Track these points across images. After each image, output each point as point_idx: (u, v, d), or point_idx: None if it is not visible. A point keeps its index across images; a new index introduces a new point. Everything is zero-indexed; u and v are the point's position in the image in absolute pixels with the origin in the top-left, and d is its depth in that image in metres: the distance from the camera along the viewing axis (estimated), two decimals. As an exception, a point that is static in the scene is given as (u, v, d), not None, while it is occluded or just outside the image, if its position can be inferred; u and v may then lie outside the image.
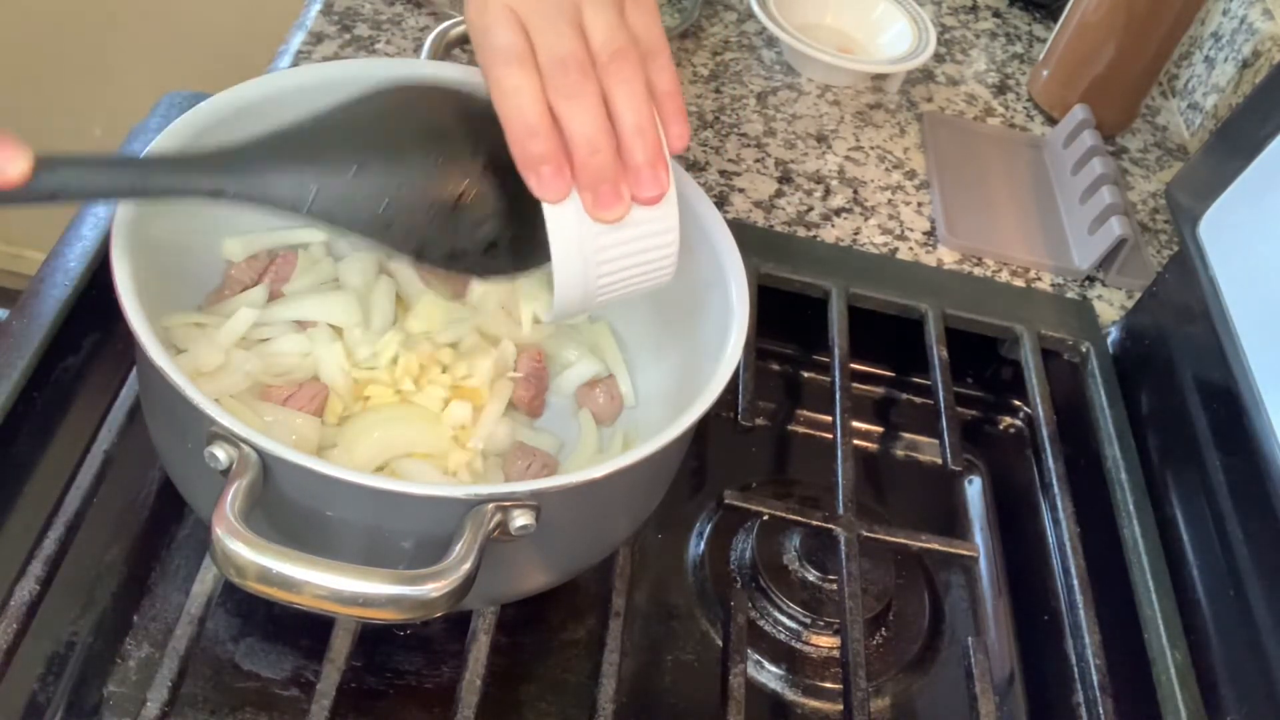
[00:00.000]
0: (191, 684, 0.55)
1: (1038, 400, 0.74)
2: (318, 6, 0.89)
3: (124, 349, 0.65)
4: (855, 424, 0.76)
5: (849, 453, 0.67)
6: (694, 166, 0.85)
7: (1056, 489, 0.69)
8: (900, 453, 0.80)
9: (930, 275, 0.81)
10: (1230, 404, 0.63)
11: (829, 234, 0.82)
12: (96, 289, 0.64)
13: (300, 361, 0.58)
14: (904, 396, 0.82)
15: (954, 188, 0.89)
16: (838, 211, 0.84)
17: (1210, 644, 0.62)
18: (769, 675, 0.64)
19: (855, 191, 0.87)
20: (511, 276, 0.51)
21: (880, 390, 0.82)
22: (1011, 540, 0.75)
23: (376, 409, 0.56)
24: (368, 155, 0.46)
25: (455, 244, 0.48)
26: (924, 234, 0.85)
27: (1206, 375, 0.68)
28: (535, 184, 0.45)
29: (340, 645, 0.53)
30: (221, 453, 0.43)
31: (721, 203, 0.82)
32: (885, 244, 0.83)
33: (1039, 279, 0.84)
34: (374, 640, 0.58)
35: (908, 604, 0.68)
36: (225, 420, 0.43)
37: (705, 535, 0.69)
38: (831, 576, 0.65)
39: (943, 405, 0.71)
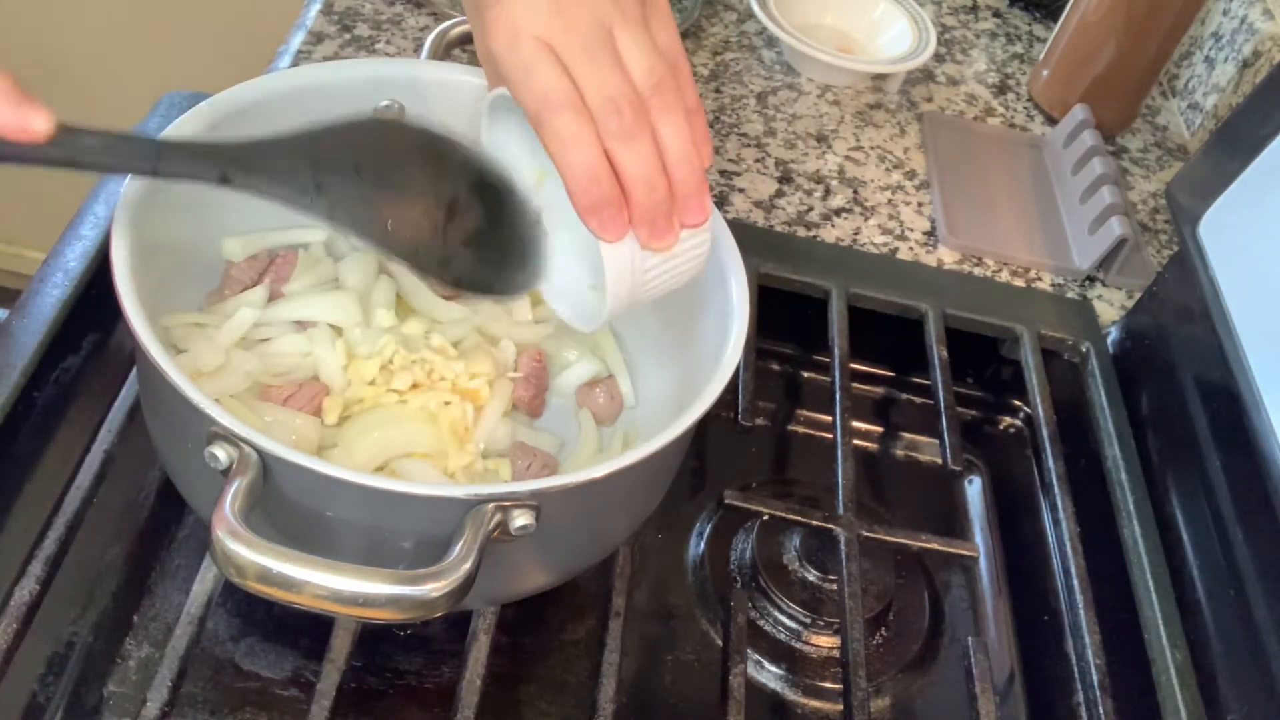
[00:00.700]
0: (191, 684, 0.55)
1: (1038, 400, 0.74)
2: (318, 6, 0.89)
3: (124, 349, 0.65)
4: (855, 424, 0.76)
5: (849, 453, 0.67)
6: (694, 166, 0.85)
7: (1056, 489, 0.69)
8: (900, 453, 0.80)
9: (930, 275, 0.81)
10: (1230, 404, 0.63)
11: (829, 234, 0.82)
12: (96, 289, 0.64)
13: (300, 361, 0.58)
14: (904, 396, 0.82)
15: (954, 188, 0.89)
16: (838, 211, 0.84)
17: (1210, 644, 0.62)
18: (769, 675, 0.64)
19: (855, 191, 0.87)
20: (498, 298, 0.52)
21: (880, 390, 0.82)
22: (1011, 540, 0.75)
23: (376, 409, 0.56)
24: (368, 157, 0.48)
25: (447, 252, 0.49)
26: (924, 234, 0.85)
27: (1206, 375, 0.68)
28: (598, 227, 0.46)
29: (340, 645, 0.53)
30: (221, 453, 0.43)
31: (721, 203, 0.82)
32: (885, 244, 0.83)
33: (1039, 279, 0.84)
34: (374, 640, 0.58)
35: (908, 604, 0.68)
36: (225, 420, 0.43)
37: (705, 535, 0.69)
38: (831, 576, 0.65)
39: (943, 405, 0.71)
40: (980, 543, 0.75)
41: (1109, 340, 0.80)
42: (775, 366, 0.81)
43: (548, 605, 0.62)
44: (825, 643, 0.65)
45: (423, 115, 0.60)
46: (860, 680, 0.57)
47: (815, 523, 0.65)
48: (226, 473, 0.43)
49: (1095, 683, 0.61)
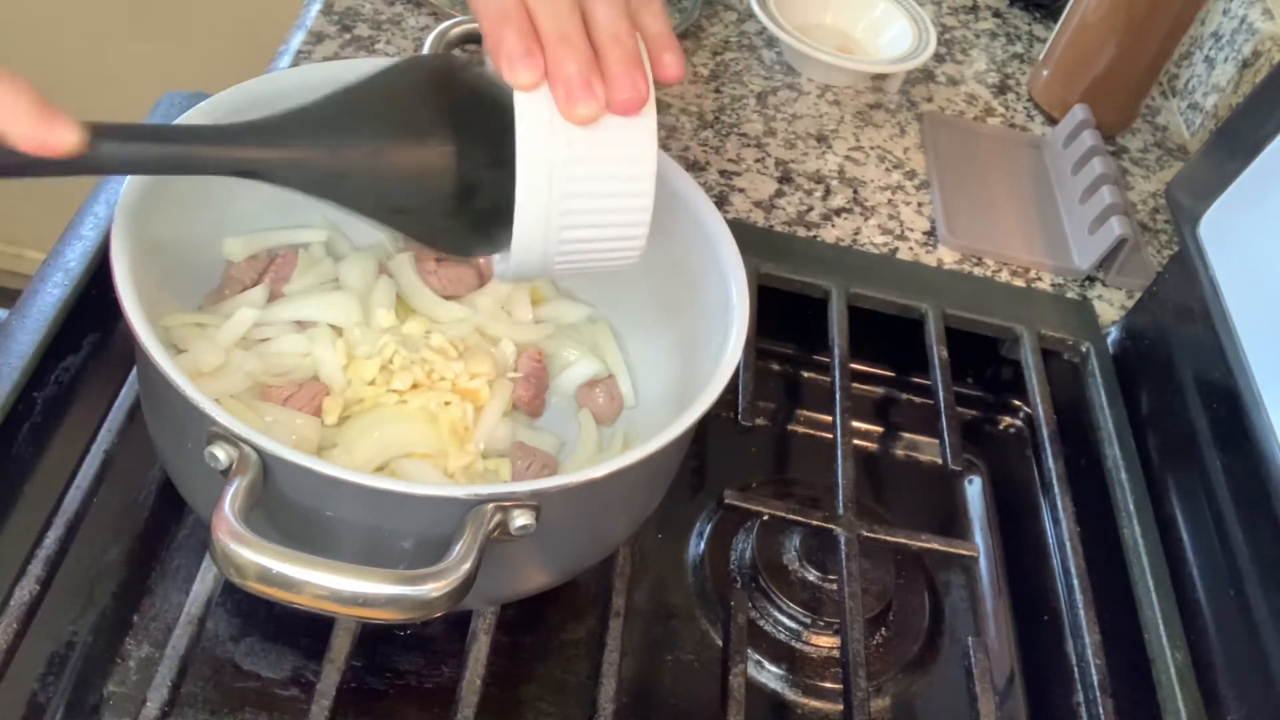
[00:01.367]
0: (191, 684, 0.55)
1: (1038, 400, 0.74)
2: (318, 6, 0.89)
3: (124, 349, 0.65)
4: (855, 424, 0.76)
5: (849, 453, 0.67)
6: (694, 166, 0.85)
7: (1056, 489, 0.69)
8: (900, 453, 0.80)
9: (930, 275, 0.81)
10: (1230, 404, 0.63)
11: (829, 234, 0.82)
12: (96, 289, 0.64)
13: (300, 361, 0.58)
14: (904, 396, 0.82)
15: (954, 188, 0.89)
16: (838, 211, 0.84)
17: (1210, 644, 0.62)
18: (769, 675, 0.64)
19: (855, 191, 0.87)
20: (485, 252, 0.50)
21: (880, 390, 0.82)
22: (1011, 540, 0.75)
23: (376, 409, 0.56)
24: (387, 138, 0.45)
25: (459, 223, 0.47)
26: (924, 234, 0.85)
27: (1206, 375, 0.68)
28: (507, 68, 0.43)
29: (340, 645, 0.53)
30: (221, 453, 0.43)
31: (721, 203, 0.82)
32: (885, 244, 0.83)
33: (1039, 279, 0.84)
34: (374, 640, 0.58)
35: (908, 604, 0.68)
36: (225, 420, 0.43)
37: (705, 535, 0.69)
38: (831, 576, 0.65)
39: (943, 405, 0.71)
40: (980, 543, 0.75)
41: (1109, 340, 0.80)
42: (775, 366, 0.81)
43: (548, 605, 0.62)
44: (825, 643, 0.65)
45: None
46: (860, 680, 0.57)
47: (815, 523, 0.65)
48: (226, 473, 0.43)
49: (1095, 683, 0.61)
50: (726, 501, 0.65)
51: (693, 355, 0.59)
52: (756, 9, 0.96)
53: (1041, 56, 1.00)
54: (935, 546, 0.67)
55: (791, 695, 0.64)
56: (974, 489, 0.78)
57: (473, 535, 0.43)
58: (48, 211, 1.09)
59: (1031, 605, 0.70)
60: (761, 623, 0.65)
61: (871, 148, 0.91)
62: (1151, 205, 0.93)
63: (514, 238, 0.45)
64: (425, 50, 0.66)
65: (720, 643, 0.63)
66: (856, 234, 0.83)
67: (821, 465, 0.69)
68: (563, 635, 0.62)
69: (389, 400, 0.57)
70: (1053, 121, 0.98)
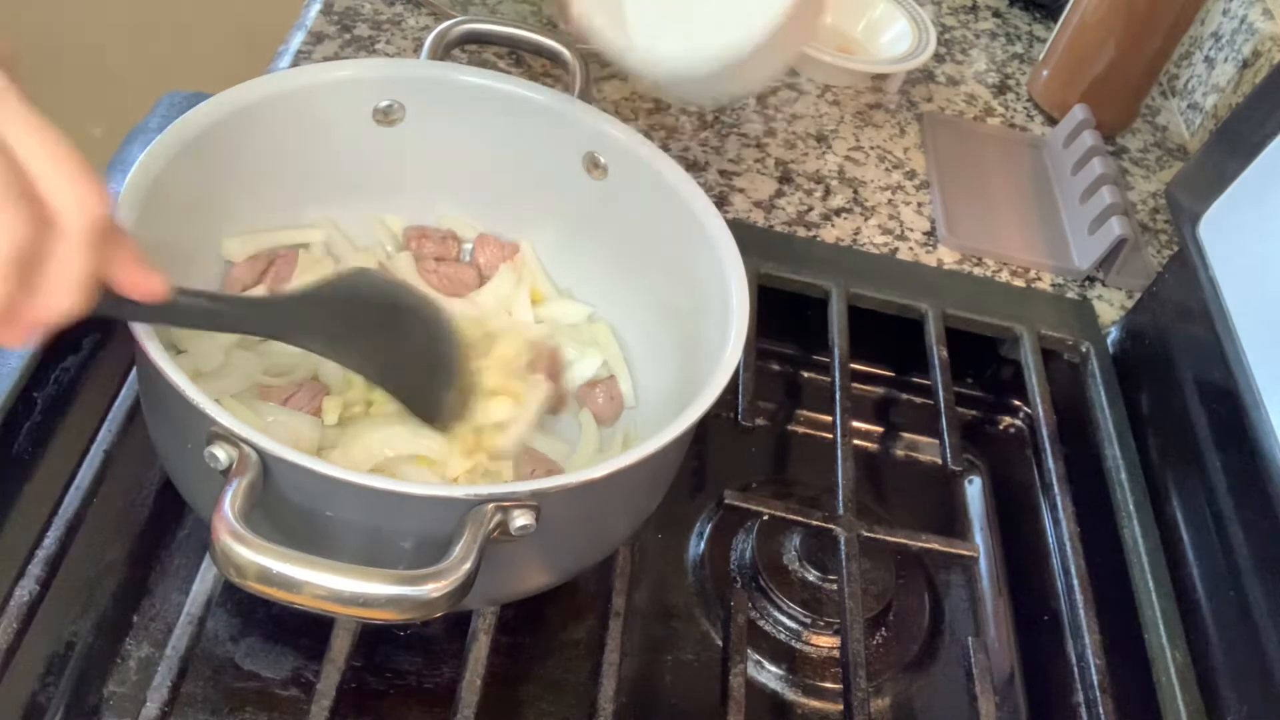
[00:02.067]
0: (191, 684, 0.55)
1: (1038, 400, 0.74)
2: (318, 6, 0.89)
3: (124, 349, 0.65)
4: (855, 424, 0.76)
5: (849, 453, 0.67)
6: (694, 166, 0.85)
7: (1056, 489, 0.69)
8: (900, 453, 0.80)
9: (930, 275, 0.81)
10: (1230, 404, 0.63)
11: (829, 234, 0.82)
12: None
13: (300, 361, 0.58)
14: (904, 396, 0.82)
15: (954, 188, 0.89)
16: (838, 211, 0.84)
17: (1210, 644, 0.62)
18: (769, 675, 0.64)
19: (855, 191, 0.87)
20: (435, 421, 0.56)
21: (880, 390, 0.82)
22: (1011, 540, 0.75)
23: (379, 413, 0.56)
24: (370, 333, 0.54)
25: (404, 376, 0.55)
26: (924, 234, 0.85)
27: (1206, 375, 0.68)
28: None
29: (340, 645, 0.53)
30: (221, 453, 0.43)
31: (721, 203, 0.82)
32: (885, 244, 0.83)
33: (1039, 279, 0.84)
34: (374, 640, 0.58)
35: (908, 604, 0.68)
36: (225, 420, 0.43)
37: (705, 535, 0.69)
38: (831, 576, 0.65)
39: (943, 405, 0.71)
40: (980, 543, 0.75)
41: (1109, 340, 0.80)
42: (775, 366, 0.81)
43: (548, 605, 0.62)
44: (825, 643, 0.65)
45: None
46: (860, 680, 0.57)
47: (815, 523, 0.65)
48: (226, 473, 0.43)
49: (1095, 683, 0.61)
50: (726, 501, 0.65)
51: (693, 355, 0.59)
52: (756, 9, 0.96)
53: (1041, 56, 1.00)
54: (935, 546, 0.67)
55: (791, 695, 0.64)
56: (974, 489, 0.78)
57: (473, 535, 0.43)
58: (48, 211, 1.09)
59: (1031, 605, 0.70)
60: (761, 623, 0.65)
61: (871, 148, 0.91)
62: (1151, 205, 0.93)
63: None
64: (425, 50, 0.66)
65: (720, 643, 0.63)
66: (856, 234, 0.83)
67: (821, 465, 0.69)
68: (563, 635, 0.62)
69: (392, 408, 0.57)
70: (1053, 121, 0.98)
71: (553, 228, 0.67)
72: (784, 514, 0.65)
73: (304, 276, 0.61)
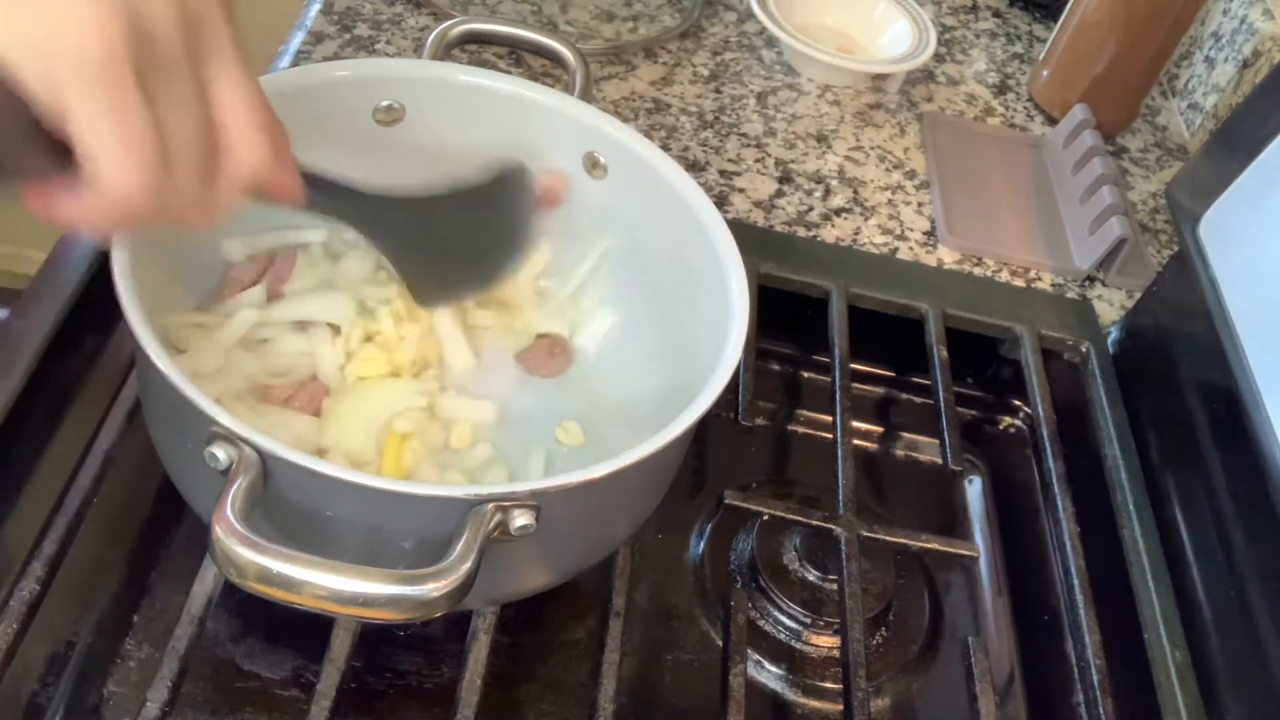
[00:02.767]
0: (191, 684, 0.55)
1: (1038, 400, 0.74)
2: (318, 6, 0.89)
3: (124, 349, 0.65)
4: (855, 424, 0.76)
5: (849, 453, 0.67)
6: (694, 166, 0.85)
7: (1056, 489, 0.69)
8: (900, 453, 0.80)
9: (930, 275, 0.81)
10: (1230, 404, 0.63)
11: (829, 234, 0.82)
12: (96, 289, 0.64)
13: (300, 361, 0.58)
14: (904, 396, 0.82)
15: (954, 188, 0.89)
16: (838, 211, 0.84)
17: (1210, 644, 0.62)
18: (769, 675, 0.64)
19: (855, 191, 0.87)
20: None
21: (880, 390, 0.82)
22: (1011, 540, 0.75)
23: (357, 390, 0.57)
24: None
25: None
26: (924, 234, 0.85)
27: (1206, 375, 0.68)
28: None
29: (340, 645, 0.53)
30: (221, 453, 0.43)
31: (721, 203, 0.82)
32: (885, 244, 0.83)
33: (1039, 279, 0.84)
34: (374, 640, 0.58)
35: (908, 604, 0.68)
36: (225, 420, 0.43)
37: (705, 535, 0.69)
38: (831, 576, 0.65)
39: (943, 405, 0.71)
40: (980, 543, 0.75)
41: (1109, 340, 0.80)
42: (775, 366, 0.81)
43: (548, 605, 0.62)
44: (825, 643, 0.65)
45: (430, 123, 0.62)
46: (860, 680, 0.57)
47: (815, 523, 0.65)
48: (226, 473, 0.43)
49: (1095, 683, 0.61)
50: (726, 501, 0.65)
51: (693, 355, 0.59)
52: (756, 9, 0.96)
53: (1041, 56, 1.00)
54: (935, 546, 0.67)
55: (791, 695, 0.64)
56: (974, 489, 0.78)
57: (473, 535, 0.43)
58: (48, 211, 1.09)
59: (1031, 605, 0.70)
60: (761, 623, 0.65)
61: (871, 148, 0.91)
62: (1151, 205, 0.93)
63: None
64: (425, 50, 0.66)
65: (720, 643, 0.63)
66: (856, 234, 0.83)
67: (821, 465, 0.69)
68: (563, 635, 0.62)
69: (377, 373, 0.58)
70: (1053, 121, 0.98)
71: (552, 228, 0.67)
72: (784, 514, 0.65)
73: (304, 276, 0.61)
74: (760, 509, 0.66)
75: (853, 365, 0.73)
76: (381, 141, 0.63)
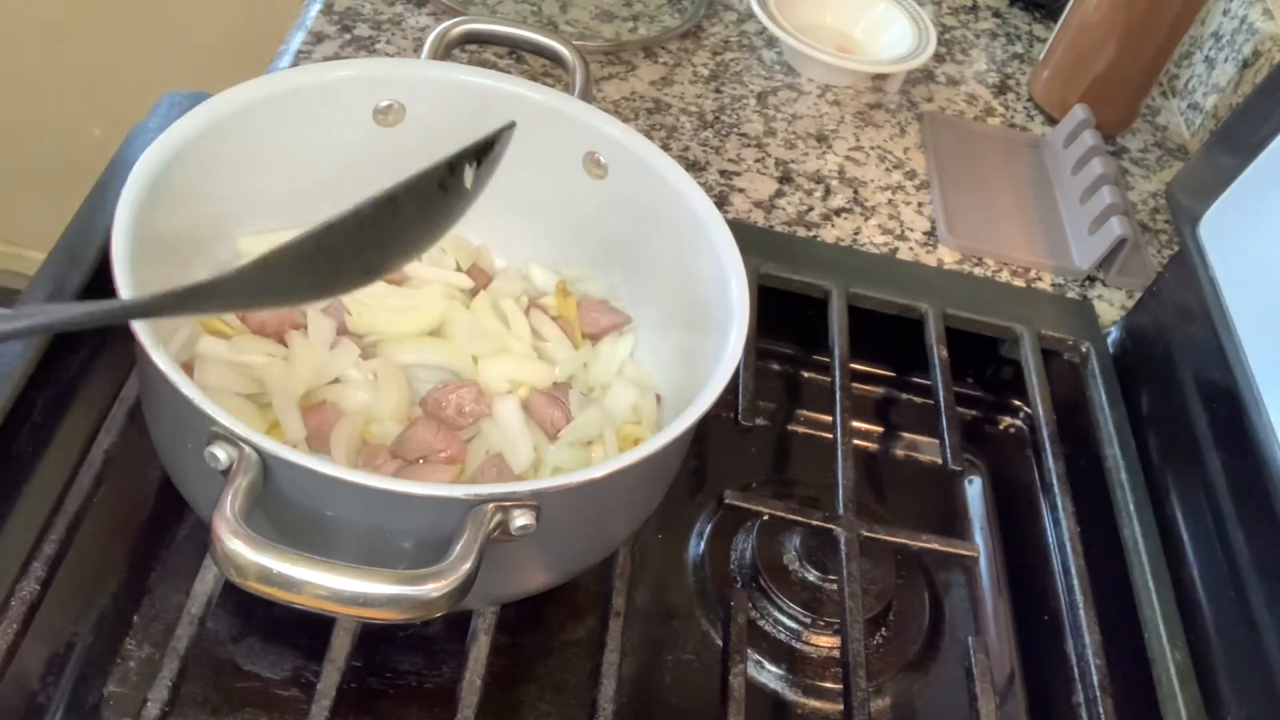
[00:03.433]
0: (191, 684, 0.55)
1: (1038, 400, 0.74)
2: (318, 6, 0.89)
3: (124, 349, 0.65)
4: (855, 424, 0.76)
5: (849, 453, 0.67)
6: (694, 166, 0.85)
7: (1056, 489, 0.69)
8: (900, 453, 0.80)
9: (930, 275, 0.81)
10: (1230, 404, 0.63)
11: (829, 234, 0.82)
12: (97, 288, 0.64)
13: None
14: (904, 396, 0.82)
15: (954, 188, 0.89)
16: (838, 211, 0.84)
17: (1210, 644, 0.62)
18: (769, 675, 0.64)
19: (855, 191, 0.87)
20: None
21: (880, 390, 0.82)
22: (1011, 540, 0.75)
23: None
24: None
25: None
26: (924, 234, 0.85)
27: (1206, 375, 0.68)
28: None
29: (340, 645, 0.53)
30: (221, 453, 0.43)
31: (721, 203, 0.82)
32: (885, 244, 0.83)
33: (1039, 279, 0.84)
34: (374, 640, 0.58)
35: (908, 604, 0.68)
36: (225, 420, 0.43)
37: (705, 535, 0.69)
38: (831, 576, 0.65)
39: (943, 405, 0.71)
40: (980, 543, 0.75)
41: (1109, 340, 0.80)
42: (775, 366, 0.81)
43: (548, 605, 0.62)
44: (825, 643, 0.65)
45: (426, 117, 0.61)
46: (860, 680, 0.57)
47: (815, 523, 0.65)
48: (226, 473, 0.43)
49: (1095, 683, 0.61)
50: (726, 501, 0.65)
51: (693, 355, 0.59)
52: (756, 9, 0.96)
53: (1041, 56, 1.00)
54: (935, 546, 0.67)
55: (791, 695, 0.64)
56: (974, 489, 0.78)
57: (473, 535, 0.43)
58: (48, 211, 1.09)
59: (1031, 605, 0.70)
60: (761, 623, 0.65)
61: (871, 148, 0.91)
62: (1151, 205, 0.93)
63: None
64: (425, 50, 0.66)
65: (720, 643, 0.63)
66: (856, 234, 0.83)
67: (821, 465, 0.69)
68: (563, 635, 0.62)
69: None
70: (1053, 121, 0.98)
71: (553, 228, 0.67)
72: (784, 514, 0.65)
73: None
74: (760, 509, 0.66)
75: (853, 365, 0.73)
76: (381, 141, 0.63)
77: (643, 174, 0.61)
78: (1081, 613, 0.64)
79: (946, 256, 0.83)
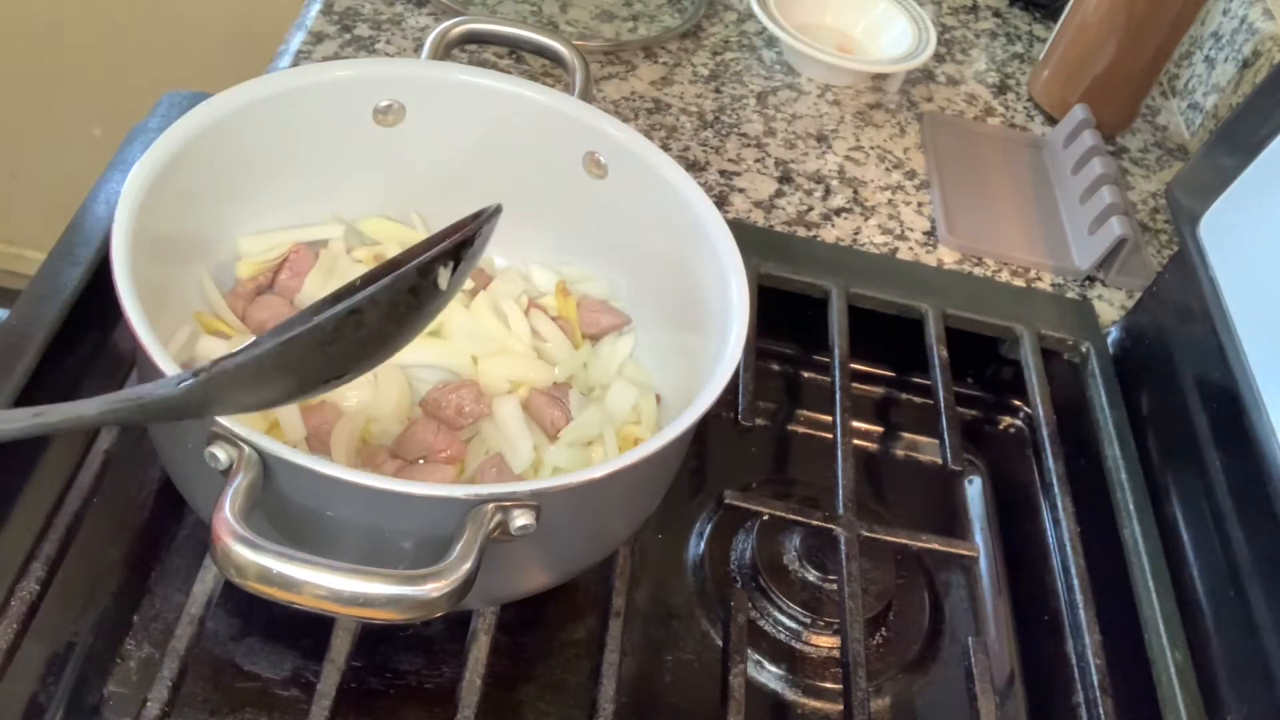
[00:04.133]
0: (191, 684, 0.55)
1: (1038, 400, 0.74)
2: (318, 6, 0.89)
3: (124, 349, 0.65)
4: (855, 424, 0.76)
5: (849, 453, 0.67)
6: (694, 166, 0.85)
7: (1056, 489, 0.69)
8: (900, 453, 0.80)
9: (930, 275, 0.81)
10: (1230, 404, 0.63)
11: (829, 234, 0.82)
12: (96, 289, 0.64)
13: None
14: (904, 396, 0.82)
15: (954, 188, 0.89)
16: (838, 211, 0.84)
17: (1210, 644, 0.62)
18: (769, 675, 0.64)
19: (855, 191, 0.87)
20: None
21: (880, 390, 0.82)
22: (1011, 540, 0.75)
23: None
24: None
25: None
26: (924, 234, 0.85)
27: (1206, 375, 0.68)
28: None
29: (340, 645, 0.53)
30: (221, 453, 0.43)
31: (721, 203, 0.82)
32: (885, 244, 0.83)
33: (1039, 279, 0.84)
34: (374, 640, 0.58)
35: (908, 604, 0.68)
36: (225, 420, 0.43)
37: (705, 535, 0.69)
38: (831, 576, 0.65)
39: (943, 405, 0.71)
40: (980, 543, 0.75)
41: (1109, 340, 0.80)
42: (775, 366, 0.81)
43: (548, 605, 0.62)
44: (825, 643, 0.65)
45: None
46: (860, 680, 0.57)
47: (815, 523, 0.65)
48: (226, 473, 0.43)
49: (1095, 683, 0.61)
50: (726, 501, 0.65)
51: (693, 355, 0.59)
52: (756, 9, 0.96)
53: (1041, 56, 1.00)
54: (935, 546, 0.67)
55: (791, 695, 0.64)
56: (974, 489, 0.78)
57: (473, 535, 0.43)
58: (48, 211, 1.09)
59: (1031, 605, 0.70)
60: (761, 623, 0.65)
61: (871, 148, 0.91)
62: (1151, 205, 0.93)
63: None
64: (425, 50, 0.66)
65: (720, 643, 0.63)
66: (856, 234, 0.83)
67: (821, 465, 0.69)
68: (563, 635, 0.62)
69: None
70: (1053, 121, 0.98)
71: (553, 228, 0.67)
72: (784, 514, 0.65)
73: (321, 272, 0.61)
74: (760, 509, 0.66)
75: (853, 365, 0.73)
76: (381, 141, 0.63)
77: (643, 174, 0.61)
78: (1081, 613, 0.64)
79: (946, 256, 0.83)
